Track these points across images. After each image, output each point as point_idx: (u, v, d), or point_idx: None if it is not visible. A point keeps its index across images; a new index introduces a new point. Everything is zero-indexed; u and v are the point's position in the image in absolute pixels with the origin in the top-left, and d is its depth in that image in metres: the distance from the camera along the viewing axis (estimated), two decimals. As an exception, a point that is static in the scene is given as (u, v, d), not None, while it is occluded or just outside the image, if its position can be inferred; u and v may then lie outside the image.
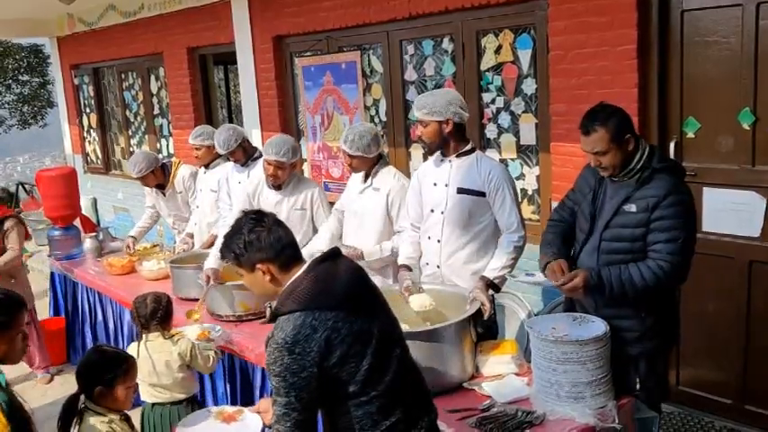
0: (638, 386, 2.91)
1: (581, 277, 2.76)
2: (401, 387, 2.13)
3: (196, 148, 5.19)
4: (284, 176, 4.22)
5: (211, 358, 3.35)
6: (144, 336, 3.33)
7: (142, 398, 3.36)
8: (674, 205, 2.72)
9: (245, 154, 4.76)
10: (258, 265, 2.12)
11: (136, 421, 2.91)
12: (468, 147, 3.44)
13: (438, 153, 3.49)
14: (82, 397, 2.59)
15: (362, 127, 3.89)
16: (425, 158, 5.38)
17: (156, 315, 3.32)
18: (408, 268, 3.51)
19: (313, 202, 4.28)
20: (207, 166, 5.23)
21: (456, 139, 3.40)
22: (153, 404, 3.33)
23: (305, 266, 2.13)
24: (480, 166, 3.38)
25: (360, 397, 2.06)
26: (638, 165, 2.79)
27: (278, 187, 4.27)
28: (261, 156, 4.80)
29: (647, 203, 2.74)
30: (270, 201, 4.27)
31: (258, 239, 2.12)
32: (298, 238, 4.22)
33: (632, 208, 2.78)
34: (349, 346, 2.01)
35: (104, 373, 2.59)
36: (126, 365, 2.69)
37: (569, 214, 3.12)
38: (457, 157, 3.41)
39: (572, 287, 2.78)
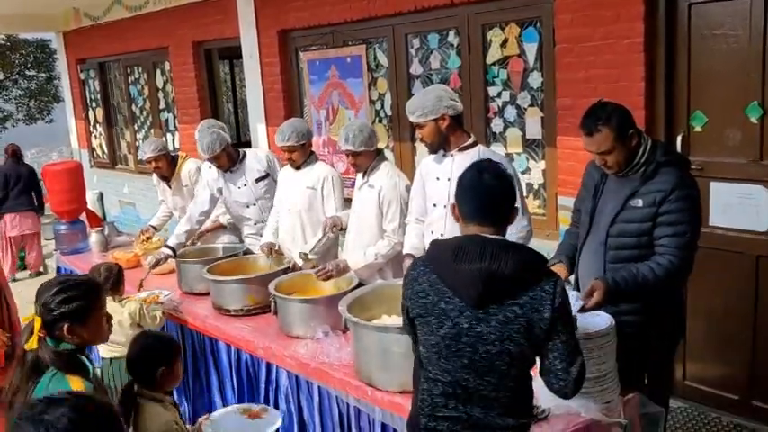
0: (646, 381, 2.89)
1: (601, 291, 2.67)
2: (480, 393, 2.09)
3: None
4: (298, 158, 4.28)
5: (158, 317, 3.85)
6: None
7: (101, 354, 3.88)
8: (682, 199, 2.70)
9: (229, 159, 4.63)
10: (456, 207, 2.26)
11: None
12: (470, 141, 3.41)
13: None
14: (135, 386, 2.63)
15: (357, 122, 3.92)
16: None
17: (108, 282, 3.80)
18: (413, 257, 3.51)
19: (324, 185, 4.26)
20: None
21: (456, 133, 3.37)
22: (111, 359, 3.81)
23: (475, 232, 2.14)
24: (477, 156, 3.35)
25: (428, 369, 2.16)
26: (642, 159, 2.77)
27: (298, 167, 4.34)
28: (245, 155, 4.75)
29: (654, 198, 2.72)
30: (287, 178, 4.42)
31: (459, 189, 2.24)
32: (306, 216, 4.28)
33: (639, 203, 2.76)
34: (427, 312, 2.12)
35: (166, 354, 2.65)
36: (177, 344, 2.80)
37: (579, 216, 3.12)
38: (459, 151, 3.38)
39: (595, 304, 2.67)
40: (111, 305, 3.74)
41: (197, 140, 4.73)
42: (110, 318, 2.34)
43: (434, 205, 3.48)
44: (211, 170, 4.87)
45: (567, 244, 3.15)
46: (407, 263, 3.48)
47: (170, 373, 2.64)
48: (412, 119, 3.37)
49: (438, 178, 3.45)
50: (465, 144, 3.39)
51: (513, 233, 3.30)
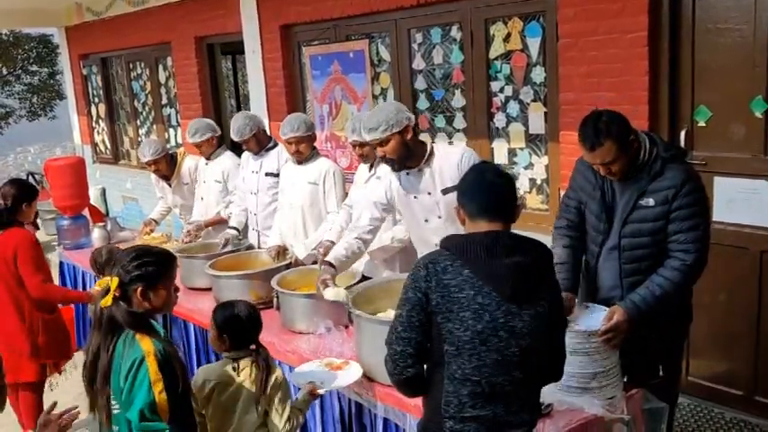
0: (660, 372, 2.88)
1: (621, 319, 2.62)
2: (506, 389, 2.09)
3: (197, 146, 5.12)
4: (306, 150, 4.31)
5: None
6: (99, 279, 4.05)
7: None
8: (692, 193, 2.69)
9: (257, 144, 4.70)
10: (459, 206, 2.23)
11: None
12: (428, 149, 3.35)
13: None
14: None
15: (366, 113, 3.88)
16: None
17: (110, 263, 3.87)
18: (332, 266, 3.38)
19: (326, 180, 4.27)
20: (208, 158, 5.17)
21: (417, 143, 3.32)
22: None
23: (487, 229, 2.11)
24: (450, 159, 3.30)
25: (452, 368, 2.07)
26: (645, 158, 2.74)
27: (300, 162, 4.35)
28: (275, 146, 4.78)
29: (666, 195, 2.69)
30: (290, 173, 4.42)
31: (465, 190, 2.21)
32: (308, 211, 4.29)
33: (650, 201, 2.73)
34: (461, 307, 2.04)
35: (258, 318, 2.82)
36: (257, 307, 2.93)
37: (575, 215, 3.03)
38: (425, 163, 3.32)
39: (618, 336, 2.60)
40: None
41: (231, 125, 4.75)
42: (177, 289, 2.46)
43: (426, 221, 3.41)
44: (215, 163, 5.12)
45: (560, 262, 2.95)
46: (326, 269, 3.34)
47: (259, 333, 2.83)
48: (375, 135, 3.22)
49: (416, 197, 3.38)
50: (428, 153, 3.33)
51: None
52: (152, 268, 2.35)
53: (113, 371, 2.28)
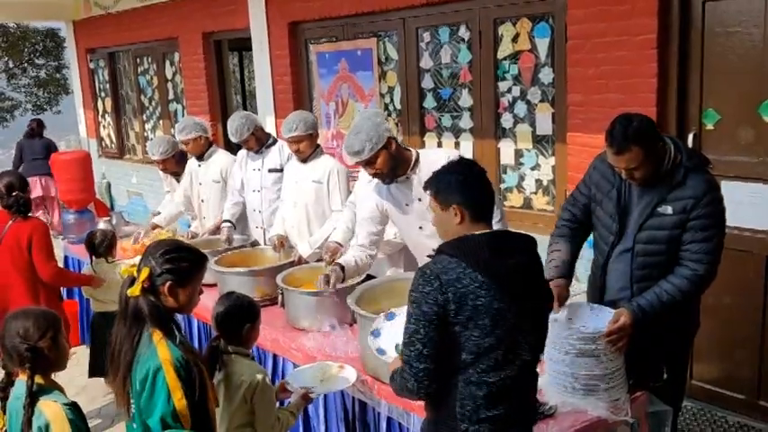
0: (664, 375, 2.87)
1: (627, 322, 2.62)
2: (515, 387, 2.10)
3: (183, 143, 5.09)
4: (306, 149, 4.29)
5: None
6: (93, 260, 4.59)
7: (94, 309, 4.59)
8: (711, 204, 2.68)
9: (257, 142, 4.70)
10: (453, 206, 2.16)
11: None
12: (414, 155, 3.33)
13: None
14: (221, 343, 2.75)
15: (369, 111, 3.79)
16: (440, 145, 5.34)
17: (103, 244, 4.55)
18: (342, 268, 3.33)
19: (330, 178, 4.27)
20: (201, 158, 5.13)
21: (402, 151, 3.30)
22: (101, 313, 4.45)
23: (488, 230, 2.13)
24: (439, 163, 3.19)
25: (468, 372, 2.05)
26: (669, 166, 2.71)
27: (304, 161, 4.34)
28: (275, 142, 4.79)
29: (685, 205, 2.68)
30: (294, 171, 4.41)
31: (463, 183, 2.17)
32: (313, 210, 4.29)
33: (668, 210, 2.71)
34: (479, 314, 2.01)
35: (250, 313, 2.78)
36: (257, 304, 2.90)
37: (582, 212, 3.02)
38: (412, 170, 3.31)
39: (623, 339, 2.60)
40: (104, 266, 4.57)
41: (228, 126, 4.72)
42: (200, 292, 2.40)
43: (420, 227, 3.38)
44: (209, 164, 5.08)
45: (557, 250, 2.97)
46: (333, 268, 3.33)
47: (253, 330, 2.78)
48: (362, 157, 3.21)
49: (407, 204, 3.37)
50: (413, 160, 3.32)
51: None
52: (185, 264, 2.29)
53: (132, 369, 2.23)
